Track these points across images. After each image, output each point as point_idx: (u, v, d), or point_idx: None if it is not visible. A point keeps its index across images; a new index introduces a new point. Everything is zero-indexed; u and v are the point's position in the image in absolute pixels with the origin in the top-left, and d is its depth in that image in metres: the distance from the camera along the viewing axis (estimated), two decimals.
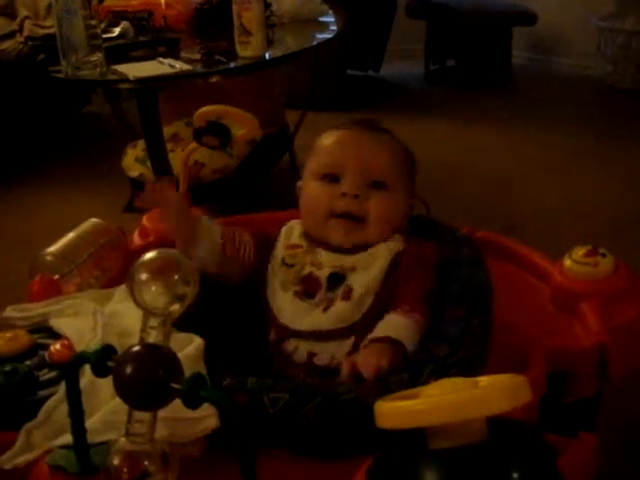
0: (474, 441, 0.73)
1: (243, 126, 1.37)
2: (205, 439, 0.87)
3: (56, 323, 1.11)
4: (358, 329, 1.09)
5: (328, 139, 1.21)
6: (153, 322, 0.77)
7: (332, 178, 1.17)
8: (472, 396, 0.73)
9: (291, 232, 1.21)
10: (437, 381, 0.80)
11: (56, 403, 0.93)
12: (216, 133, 1.30)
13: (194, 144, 1.42)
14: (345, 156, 1.17)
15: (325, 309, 1.11)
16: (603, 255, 1.22)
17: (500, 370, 0.83)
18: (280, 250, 1.20)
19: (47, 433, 0.91)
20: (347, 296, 1.11)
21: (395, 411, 0.76)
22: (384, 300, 1.10)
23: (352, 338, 1.09)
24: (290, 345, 1.12)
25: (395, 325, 1.05)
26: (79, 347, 1.01)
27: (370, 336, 1.04)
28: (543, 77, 4.67)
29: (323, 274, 1.14)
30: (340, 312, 1.11)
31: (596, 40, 4.33)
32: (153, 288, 0.76)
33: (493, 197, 2.97)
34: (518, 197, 2.97)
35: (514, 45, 4.62)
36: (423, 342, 1.03)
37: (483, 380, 0.79)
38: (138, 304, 0.77)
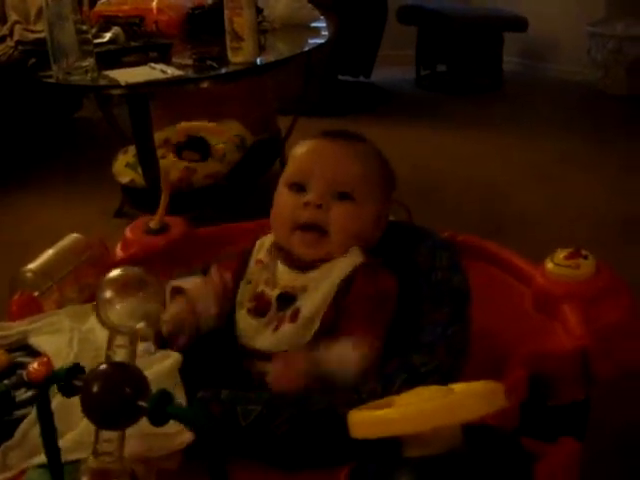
0: (449, 448, 0.73)
1: (222, 141, 1.37)
2: (181, 452, 0.87)
3: (35, 341, 1.10)
4: (305, 350, 1.06)
5: (301, 147, 1.19)
6: (119, 340, 0.77)
7: (299, 187, 1.15)
8: (446, 403, 0.73)
9: (261, 246, 1.20)
10: (411, 389, 0.80)
11: (31, 423, 0.92)
12: (196, 148, 1.30)
13: (173, 161, 1.42)
14: (312, 165, 1.15)
15: (275, 329, 1.10)
16: (585, 257, 1.22)
17: (481, 375, 0.83)
18: (250, 266, 1.19)
19: (23, 454, 0.90)
20: (294, 318, 1.09)
21: (369, 420, 0.76)
22: (332, 323, 1.07)
23: None
24: (248, 362, 1.12)
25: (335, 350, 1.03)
26: (57, 364, 1.00)
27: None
28: (534, 83, 4.69)
29: (274, 294, 1.12)
30: (287, 334, 1.09)
31: (587, 46, 4.34)
32: (118, 306, 0.76)
33: (482, 202, 2.98)
34: (507, 202, 2.98)
35: (505, 51, 4.63)
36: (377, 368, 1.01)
37: (457, 387, 0.79)
38: (103, 322, 0.77)
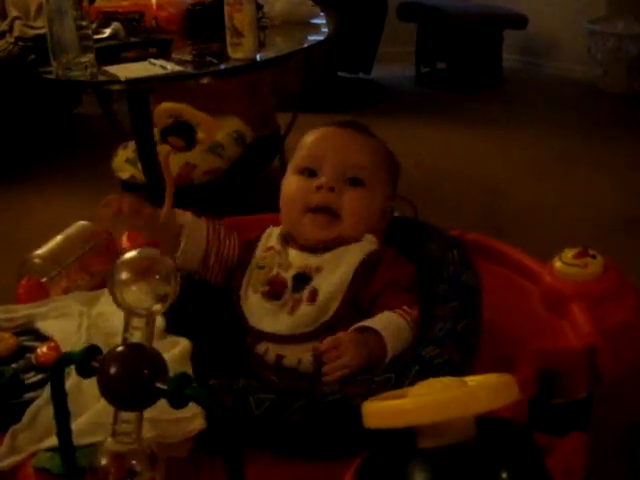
0: (463, 440, 0.73)
1: (201, 128, 1.36)
2: (192, 440, 0.87)
3: (42, 325, 1.10)
4: (323, 333, 1.07)
5: (311, 135, 1.22)
6: (136, 322, 0.77)
7: (310, 172, 1.17)
8: (460, 395, 0.73)
9: (270, 235, 1.21)
10: (425, 380, 0.80)
11: (40, 406, 0.92)
12: (181, 133, 1.29)
13: (168, 147, 1.41)
14: (324, 150, 1.17)
15: (291, 311, 1.10)
16: (593, 257, 1.22)
17: (489, 371, 0.83)
18: (258, 254, 1.19)
19: (32, 436, 0.91)
20: (312, 299, 1.09)
21: (383, 410, 0.76)
22: (351, 304, 1.09)
23: (318, 341, 1.07)
24: (261, 347, 1.12)
25: (385, 319, 1.04)
26: (65, 348, 1.01)
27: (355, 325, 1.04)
28: (534, 80, 4.69)
29: (289, 275, 1.13)
30: (305, 315, 1.09)
31: (587, 43, 4.34)
32: (134, 288, 0.76)
33: (482, 200, 2.98)
34: (507, 200, 2.98)
35: (505, 48, 4.63)
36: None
37: (471, 379, 0.79)
38: (119, 304, 0.76)
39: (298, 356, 1.09)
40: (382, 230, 1.20)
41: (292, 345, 1.10)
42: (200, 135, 1.37)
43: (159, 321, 1.01)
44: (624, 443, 1.59)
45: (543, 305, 1.22)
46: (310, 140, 1.21)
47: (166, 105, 1.37)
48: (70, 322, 1.08)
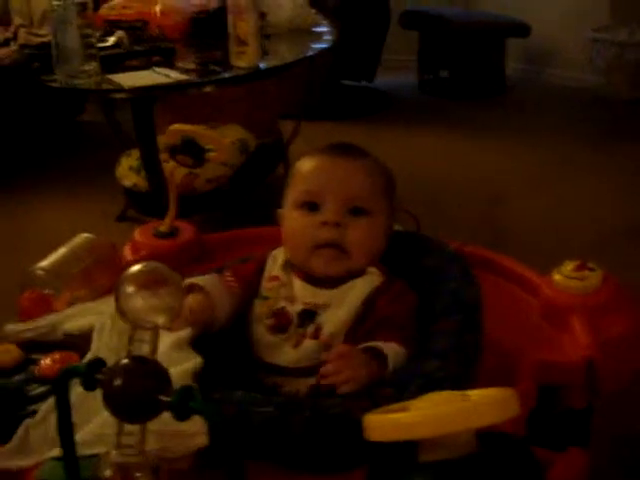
0: (464, 453, 0.74)
1: (214, 148, 1.36)
2: (194, 454, 0.88)
3: (71, 326, 1.11)
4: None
5: (305, 166, 1.19)
6: (141, 335, 0.77)
7: (311, 207, 1.15)
8: (462, 409, 0.74)
9: (275, 262, 1.19)
10: (427, 394, 0.80)
11: (52, 405, 0.93)
12: (190, 152, 1.29)
13: (174, 163, 1.42)
14: (323, 183, 1.15)
15: (296, 345, 1.11)
16: (592, 269, 1.23)
17: (489, 384, 0.84)
18: (263, 283, 1.18)
19: (44, 434, 0.91)
20: (316, 335, 1.09)
21: (385, 424, 0.76)
22: (354, 341, 1.07)
23: (317, 377, 1.06)
24: (263, 376, 1.13)
25: (384, 345, 1.04)
26: (99, 343, 1.02)
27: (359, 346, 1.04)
28: (536, 88, 4.69)
29: (295, 310, 1.12)
30: (308, 350, 1.10)
31: (589, 52, 4.34)
32: (140, 301, 0.76)
33: (484, 208, 2.98)
34: (510, 209, 2.98)
35: (507, 56, 4.64)
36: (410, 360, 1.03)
37: (473, 393, 0.79)
38: (125, 317, 0.77)
39: (295, 387, 1.09)
40: (385, 249, 1.19)
41: (292, 378, 1.10)
42: (212, 155, 1.38)
43: (186, 332, 1.02)
44: (622, 456, 1.59)
45: (542, 317, 1.23)
46: (305, 171, 1.18)
47: (178, 126, 1.38)
48: (101, 318, 1.08)
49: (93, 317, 1.11)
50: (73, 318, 1.13)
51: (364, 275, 1.14)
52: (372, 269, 1.15)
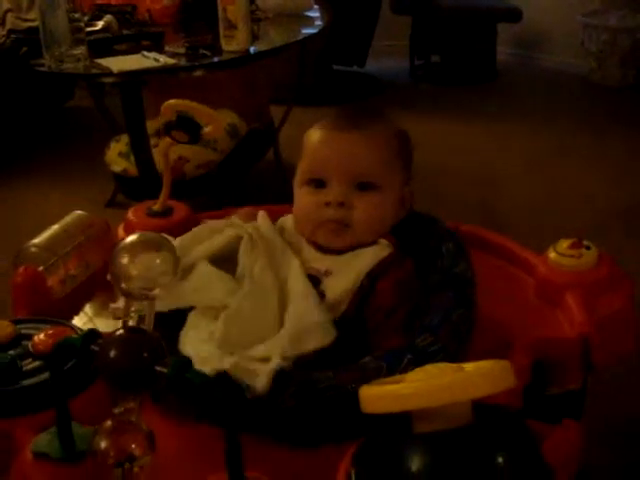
0: (459, 425, 0.73)
1: (207, 123, 1.35)
2: None
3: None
4: None
5: (310, 140, 1.16)
6: (136, 306, 0.77)
7: (318, 183, 1.12)
8: (457, 380, 0.74)
9: (283, 228, 1.18)
10: (422, 366, 0.80)
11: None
12: (186, 128, 1.28)
13: (169, 139, 1.40)
14: (327, 159, 1.11)
15: None
16: (587, 247, 1.22)
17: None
18: None
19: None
20: (320, 300, 1.06)
21: (381, 395, 0.76)
22: (357, 310, 1.06)
23: None
24: None
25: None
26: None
27: None
28: (528, 73, 4.69)
29: None
30: None
31: (580, 37, 4.35)
32: (135, 272, 0.76)
33: (477, 192, 2.98)
34: (502, 192, 2.99)
35: (499, 41, 4.63)
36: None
37: (468, 365, 0.79)
38: (120, 289, 0.77)
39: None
40: (401, 217, 1.17)
41: None
42: (207, 130, 1.37)
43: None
44: (610, 431, 1.60)
45: (538, 295, 1.22)
46: (313, 146, 1.15)
47: (173, 101, 1.37)
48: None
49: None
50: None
51: (373, 245, 1.11)
52: (383, 240, 1.12)
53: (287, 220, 1.19)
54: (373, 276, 1.07)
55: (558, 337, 1.10)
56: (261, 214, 1.16)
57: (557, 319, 1.15)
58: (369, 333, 1.04)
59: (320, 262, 1.11)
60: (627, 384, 1.70)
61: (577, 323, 1.11)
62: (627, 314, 1.19)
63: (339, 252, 1.11)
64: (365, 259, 1.09)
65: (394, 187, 1.14)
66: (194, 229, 1.16)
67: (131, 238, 0.79)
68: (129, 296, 0.77)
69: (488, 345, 1.04)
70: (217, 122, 1.38)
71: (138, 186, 2.62)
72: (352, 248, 1.11)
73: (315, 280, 1.08)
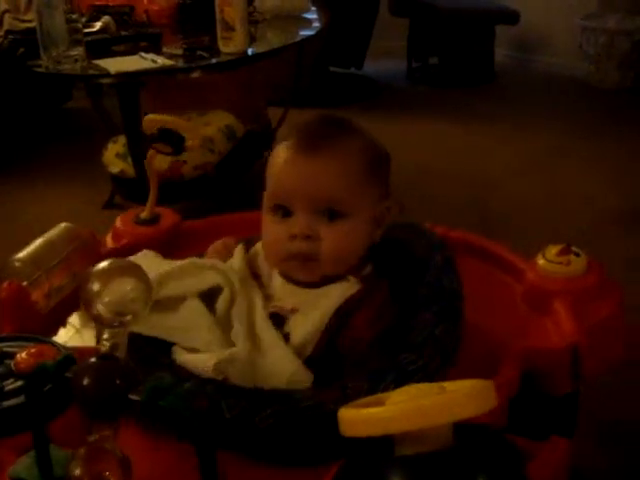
0: (441, 447, 0.72)
1: (188, 136, 1.35)
2: None
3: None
4: None
5: (276, 160, 1.08)
6: (108, 333, 0.76)
7: (284, 212, 1.06)
8: (438, 402, 0.72)
9: (255, 256, 1.14)
10: (403, 387, 0.78)
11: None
12: (168, 140, 1.28)
13: (153, 151, 1.40)
14: (291, 185, 1.04)
15: None
16: (576, 254, 1.22)
17: (472, 370, 0.83)
18: None
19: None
20: (285, 342, 1.02)
21: (361, 419, 0.74)
22: (327, 347, 1.01)
23: None
24: None
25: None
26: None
27: None
28: (526, 76, 4.70)
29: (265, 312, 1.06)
30: None
31: (578, 39, 4.35)
32: (106, 299, 0.74)
33: (474, 194, 2.98)
34: (500, 194, 2.99)
35: (497, 43, 4.63)
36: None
37: (449, 385, 0.78)
38: (90, 315, 0.75)
39: None
40: (379, 236, 1.11)
41: None
42: (190, 142, 1.37)
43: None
44: (602, 438, 1.60)
45: (526, 303, 1.21)
46: (276, 170, 1.08)
47: (152, 116, 1.37)
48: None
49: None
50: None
51: (340, 281, 1.05)
52: (350, 277, 1.06)
53: (260, 246, 1.14)
54: (341, 314, 1.02)
55: (547, 347, 1.08)
56: (237, 251, 1.13)
57: (546, 327, 1.14)
58: (350, 366, 0.99)
59: (288, 297, 1.06)
60: (617, 390, 1.70)
61: (566, 332, 1.10)
62: (616, 321, 1.19)
63: (309, 284, 1.06)
64: (332, 298, 1.03)
65: (365, 209, 1.07)
66: (179, 263, 1.09)
67: (101, 265, 0.77)
68: (100, 322, 0.76)
69: (476, 354, 1.03)
70: (194, 133, 1.38)
71: (135, 187, 2.62)
72: (323, 279, 1.06)
73: (280, 319, 1.04)
